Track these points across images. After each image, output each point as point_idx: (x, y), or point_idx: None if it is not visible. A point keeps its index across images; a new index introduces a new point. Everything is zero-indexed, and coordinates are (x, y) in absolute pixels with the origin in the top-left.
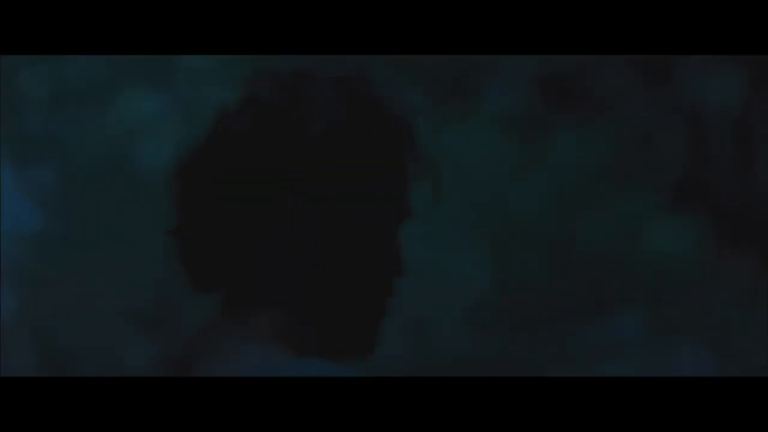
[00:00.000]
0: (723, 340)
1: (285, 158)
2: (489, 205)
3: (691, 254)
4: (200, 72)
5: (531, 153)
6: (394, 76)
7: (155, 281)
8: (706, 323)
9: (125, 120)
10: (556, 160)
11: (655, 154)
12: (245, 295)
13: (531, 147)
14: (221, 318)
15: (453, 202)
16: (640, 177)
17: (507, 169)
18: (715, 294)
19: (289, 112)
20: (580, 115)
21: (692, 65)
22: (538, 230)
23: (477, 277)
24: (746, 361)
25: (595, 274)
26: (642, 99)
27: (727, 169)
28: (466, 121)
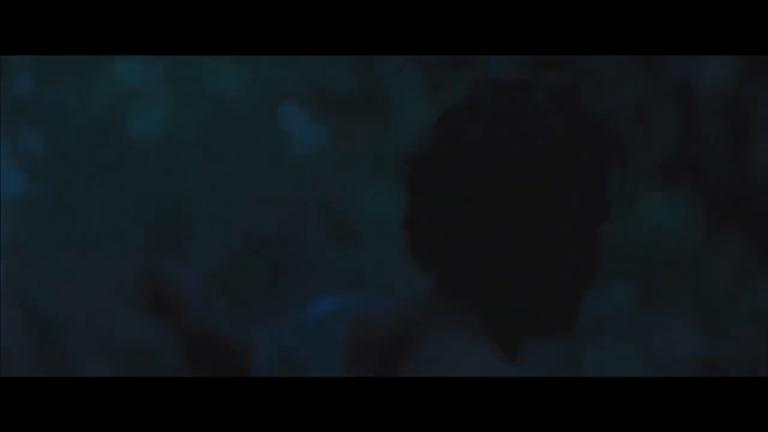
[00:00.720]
0: (711, 318)
1: (506, 160)
2: None
3: (681, 231)
4: None
5: None
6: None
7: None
8: (695, 300)
9: (117, 88)
10: None
11: (647, 131)
12: (457, 279)
13: None
14: (433, 297)
15: None
16: (632, 153)
17: None
18: (705, 271)
19: (513, 119)
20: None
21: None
22: None
23: None
24: (733, 338)
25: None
26: (635, 77)
27: (718, 148)
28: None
